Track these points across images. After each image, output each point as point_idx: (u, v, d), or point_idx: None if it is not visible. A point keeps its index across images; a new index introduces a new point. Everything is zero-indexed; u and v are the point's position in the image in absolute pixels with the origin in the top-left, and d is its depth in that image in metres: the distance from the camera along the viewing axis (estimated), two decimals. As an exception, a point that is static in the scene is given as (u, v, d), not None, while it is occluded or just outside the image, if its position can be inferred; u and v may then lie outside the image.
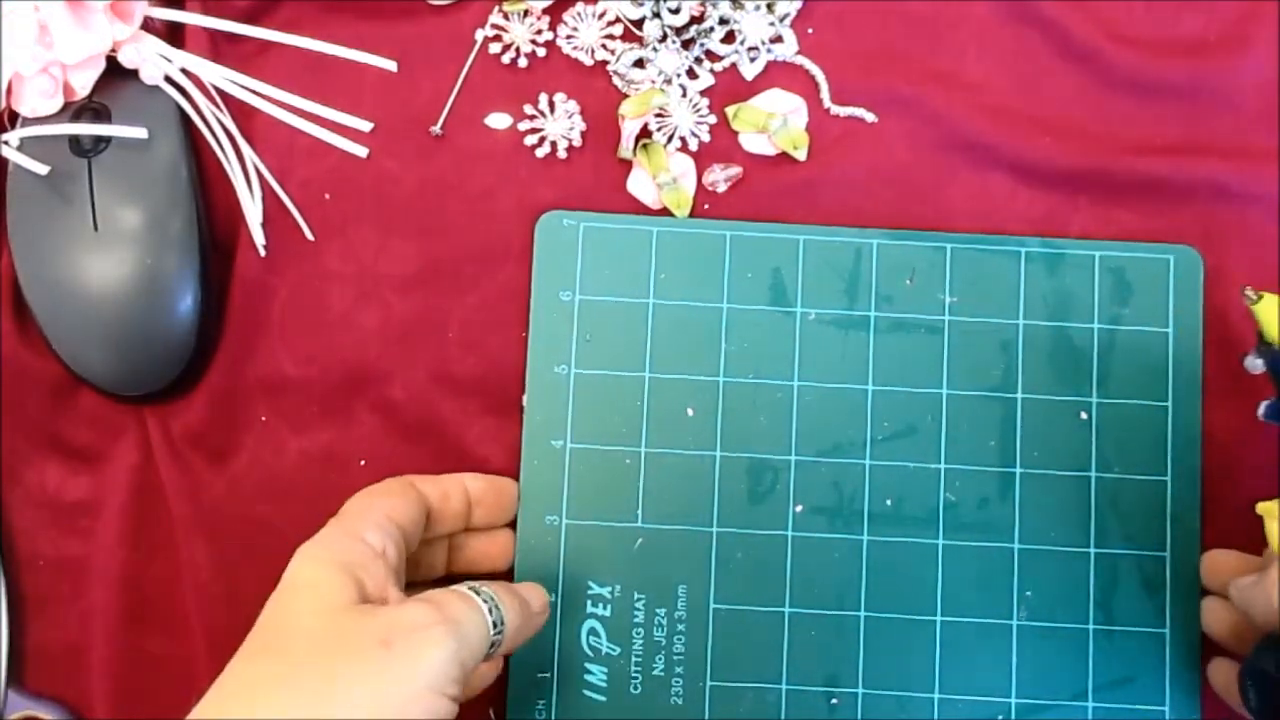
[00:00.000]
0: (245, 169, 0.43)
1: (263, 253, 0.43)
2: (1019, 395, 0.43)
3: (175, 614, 0.43)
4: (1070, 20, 0.45)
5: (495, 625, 0.35)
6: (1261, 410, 0.37)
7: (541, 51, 0.45)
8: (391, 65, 0.43)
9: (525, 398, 0.43)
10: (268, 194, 0.43)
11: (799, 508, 0.43)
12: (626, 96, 0.44)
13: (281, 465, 0.43)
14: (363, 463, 0.43)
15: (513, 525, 0.42)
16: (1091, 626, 0.42)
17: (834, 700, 0.42)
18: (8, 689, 0.42)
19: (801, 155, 0.44)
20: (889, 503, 0.42)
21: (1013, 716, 0.42)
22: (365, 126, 0.43)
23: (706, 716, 0.42)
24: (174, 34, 0.44)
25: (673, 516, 0.42)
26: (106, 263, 0.41)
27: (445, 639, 0.32)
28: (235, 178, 0.43)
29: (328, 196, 0.44)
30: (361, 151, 0.43)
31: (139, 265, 0.41)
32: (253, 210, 0.43)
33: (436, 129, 0.44)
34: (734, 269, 0.43)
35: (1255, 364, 0.37)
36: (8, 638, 0.42)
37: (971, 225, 0.44)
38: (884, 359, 0.43)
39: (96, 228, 0.41)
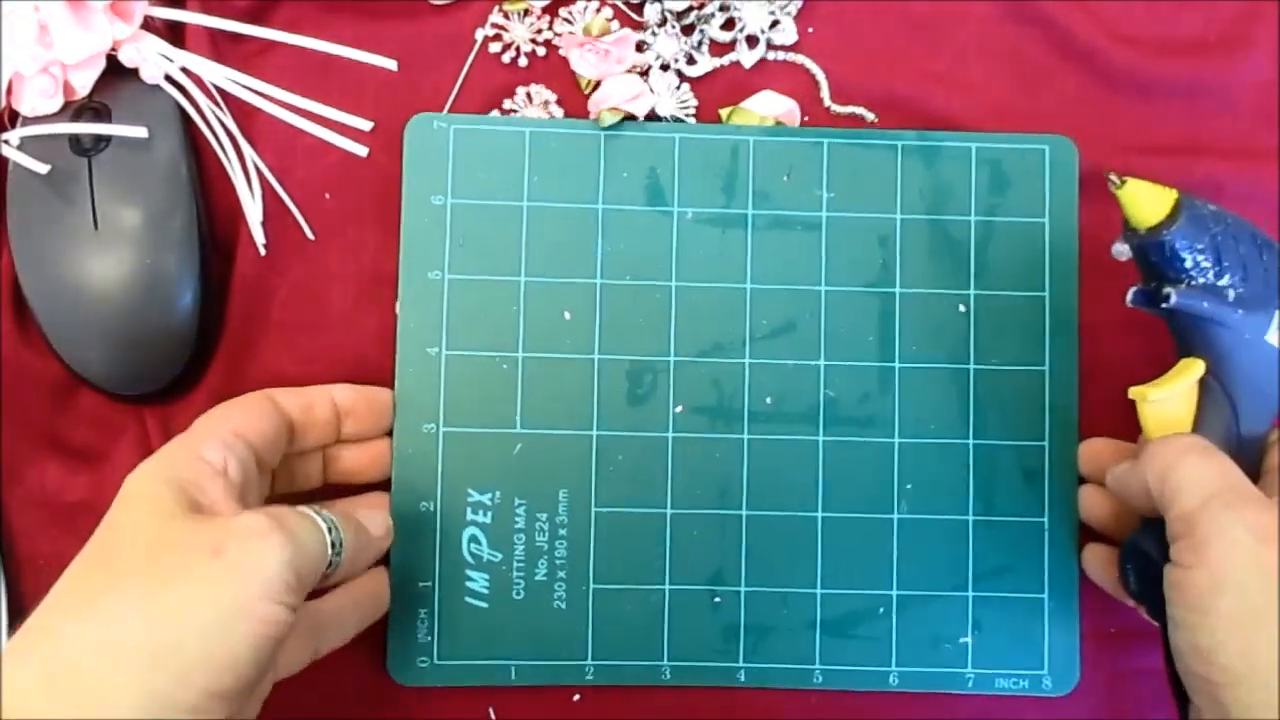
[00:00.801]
0: (245, 169, 0.42)
1: (263, 252, 0.42)
2: (897, 290, 0.43)
3: None
4: (1070, 20, 0.44)
5: (334, 545, 0.34)
6: (1129, 296, 0.37)
7: (541, 50, 0.44)
8: (392, 65, 0.42)
9: (398, 305, 0.42)
10: (268, 193, 0.43)
11: (679, 408, 0.42)
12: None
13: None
14: None
15: (390, 435, 0.42)
16: (971, 517, 0.42)
17: (717, 599, 0.42)
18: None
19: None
20: (769, 400, 0.42)
21: (894, 608, 0.42)
22: (365, 126, 0.42)
23: (590, 619, 0.42)
24: (174, 33, 0.43)
25: (552, 421, 0.42)
26: (107, 262, 0.40)
27: (280, 546, 0.32)
28: (235, 177, 0.42)
29: (328, 196, 0.43)
30: (362, 151, 0.42)
31: (139, 265, 0.40)
32: (253, 210, 0.42)
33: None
34: (609, 169, 0.43)
35: (1121, 250, 0.37)
36: (8, 638, 0.41)
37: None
38: (762, 257, 0.43)
39: (97, 227, 0.40)
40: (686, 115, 0.44)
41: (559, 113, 0.43)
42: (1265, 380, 0.37)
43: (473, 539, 0.42)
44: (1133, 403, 0.41)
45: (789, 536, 0.42)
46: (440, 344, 0.42)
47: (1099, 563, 0.41)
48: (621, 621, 0.42)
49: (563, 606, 0.42)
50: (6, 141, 0.41)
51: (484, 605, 0.41)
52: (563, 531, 0.42)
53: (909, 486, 0.42)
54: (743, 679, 0.42)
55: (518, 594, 0.42)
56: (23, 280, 0.41)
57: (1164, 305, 0.36)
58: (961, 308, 0.43)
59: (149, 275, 0.40)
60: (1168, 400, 0.37)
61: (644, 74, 0.44)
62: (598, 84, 0.43)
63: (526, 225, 0.42)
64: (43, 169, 0.40)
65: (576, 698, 0.42)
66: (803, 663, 0.42)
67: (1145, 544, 0.37)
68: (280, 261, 0.43)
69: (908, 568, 0.42)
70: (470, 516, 0.42)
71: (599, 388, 0.42)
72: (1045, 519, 0.42)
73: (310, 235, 0.43)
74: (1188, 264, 0.36)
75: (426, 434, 0.42)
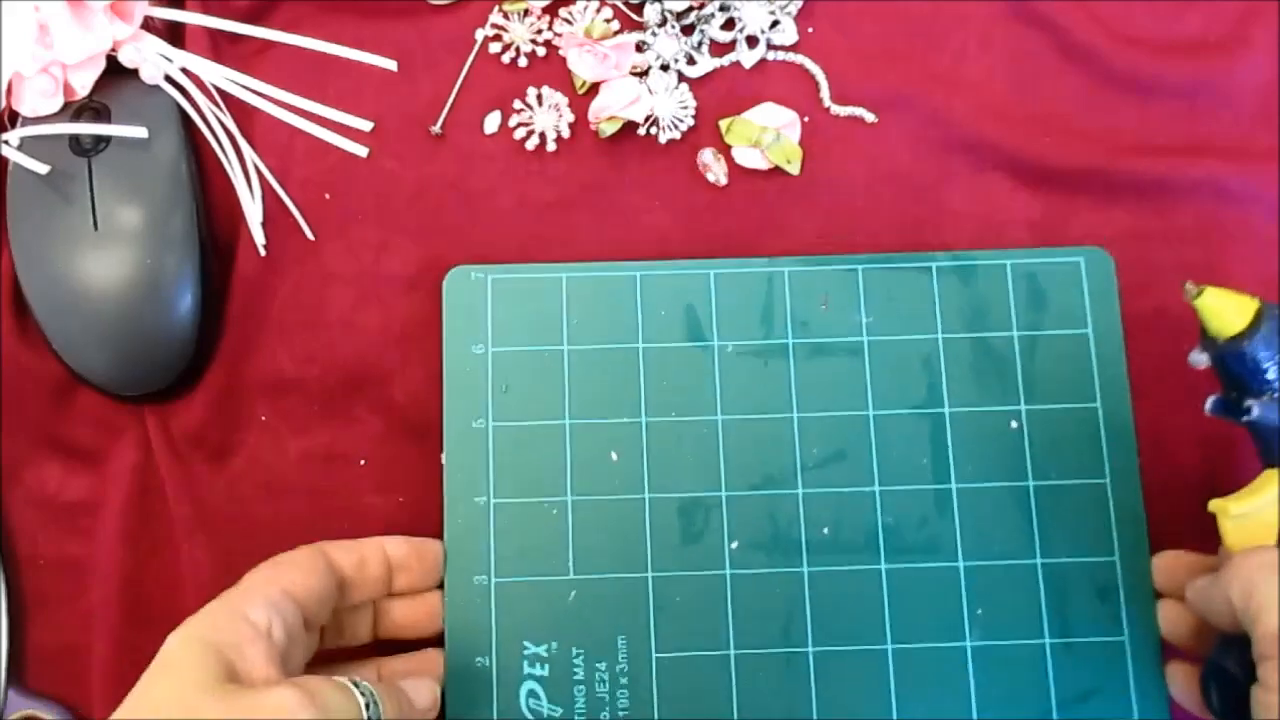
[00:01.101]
0: (245, 169, 0.43)
1: (263, 252, 0.43)
2: (946, 409, 0.42)
3: (175, 614, 0.40)
4: (1071, 20, 0.45)
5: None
6: (1209, 405, 0.37)
7: (541, 51, 0.45)
8: (392, 65, 0.43)
9: (444, 455, 0.42)
10: (268, 194, 0.43)
11: (734, 544, 0.41)
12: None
13: (282, 465, 0.42)
14: (363, 462, 0.42)
15: (441, 587, 0.41)
16: (1048, 640, 0.40)
17: (790, 742, 0.40)
18: (8, 689, 0.41)
19: (795, 169, 0.44)
20: (826, 531, 0.41)
21: (975, 743, 0.40)
22: (366, 126, 0.43)
23: (658, 773, 0.40)
24: (174, 33, 0.44)
25: (605, 565, 0.41)
26: (106, 262, 0.40)
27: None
28: (235, 177, 0.42)
29: (328, 196, 0.43)
30: (362, 151, 0.43)
31: (139, 265, 0.40)
32: (253, 210, 0.42)
33: (436, 128, 0.44)
34: (646, 308, 0.43)
35: (1200, 359, 0.36)
36: (8, 638, 0.41)
37: (971, 226, 0.44)
38: (806, 385, 0.42)
39: (96, 227, 0.41)
40: (686, 116, 0.44)
41: (570, 116, 0.44)
42: None
43: (531, 694, 0.40)
44: (1205, 511, 0.40)
45: (859, 671, 0.40)
46: (488, 492, 0.41)
47: (1182, 681, 0.39)
48: (692, 773, 0.40)
49: (629, 760, 0.40)
50: (6, 141, 0.41)
51: (546, 764, 0.40)
52: (624, 680, 0.40)
53: (979, 612, 0.41)
54: (822, 828, 0.39)
55: (581, 750, 0.40)
56: (23, 280, 0.41)
57: (1245, 419, 0.35)
58: (1014, 424, 0.42)
59: (149, 275, 0.41)
60: (1250, 514, 0.36)
61: (643, 75, 0.44)
62: (594, 86, 0.44)
63: (568, 368, 0.42)
64: (43, 169, 0.41)
65: None
66: (885, 806, 0.39)
67: (1228, 662, 0.35)
68: (280, 261, 0.43)
69: (987, 697, 0.40)
70: (527, 670, 0.40)
71: (651, 528, 0.41)
72: (1125, 637, 0.40)
73: (310, 236, 0.43)
74: (1270, 375, 0.35)
75: (478, 585, 0.41)
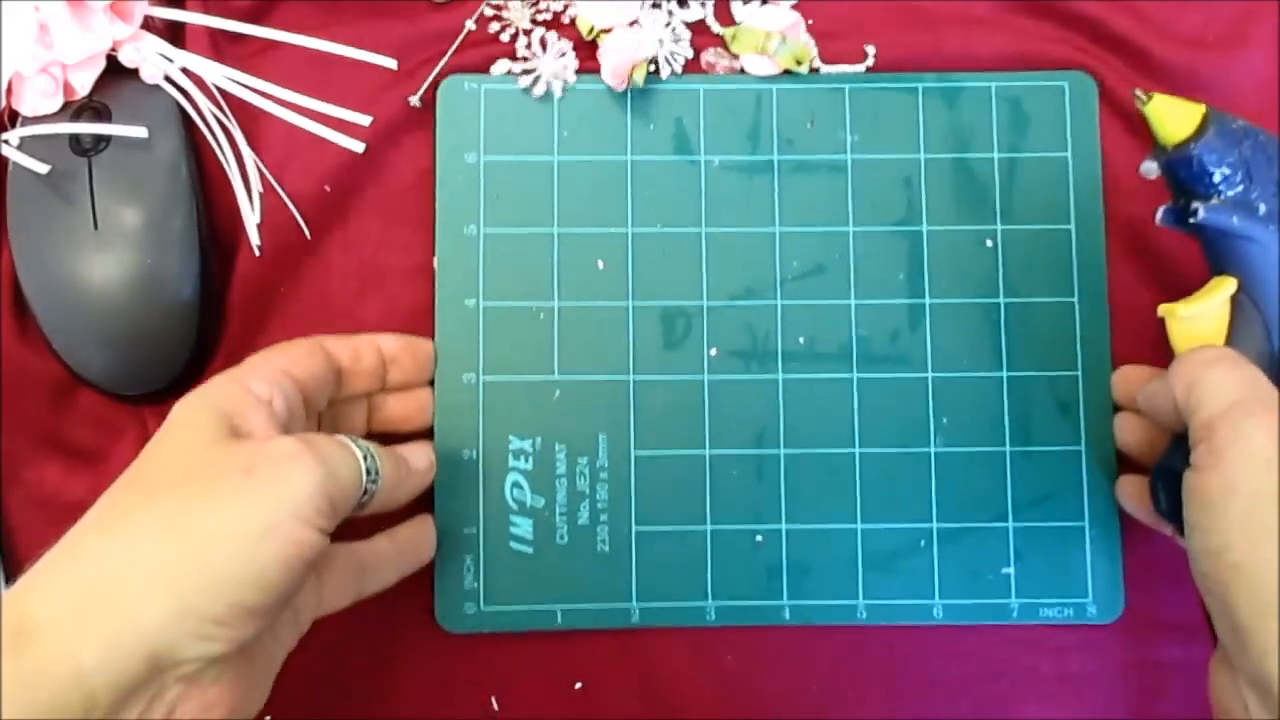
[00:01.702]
0: (244, 169, 0.42)
1: (257, 253, 0.42)
2: (924, 228, 0.43)
3: None
4: (1071, 20, 0.44)
5: (369, 473, 0.35)
6: (1159, 215, 0.37)
7: (541, 31, 0.44)
8: (392, 64, 0.42)
9: (436, 259, 0.43)
10: (268, 190, 0.43)
11: (713, 351, 0.43)
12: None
13: None
14: None
15: (432, 384, 0.43)
16: (1008, 448, 0.42)
17: (759, 538, 0.42)
18: None
19: (805, 70, 0.44)
20: (802, 341, 0.43)
21: (934, 541, 0.42)
22: (364, 121, 0.42)
23: (633, 562, 0.42)
24: (174, 33, 0.43)
25: (589, 367, 0.43)
26: (106, 262, 0.40)
27: (311, 468, 0.32)
28: (235, 178, 0.42)
29: (328, 189, 0.43)
30: (359, 147, 0.42)
31: (139, 265, 0.41)
32: (250, 213, 0.42)
33: (415, 99, 0.44)
34: (636, 122, 0.44)
35: (1150, 168, 0.37)
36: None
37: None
38: (789, 201, 0.43)
39: (97, 227, 0.41)
40: (683, 50, 0.44)
41: (574, 63, 0.44)
42: None
43: (515, 485, 0.42)
44: (1165, 330, 0.42)
45: (827, 474, 0.42)
46: (477, 296, 0.43)
47: (1131, 491, 0.41)
48: (665, 563, 0.42)
49: (606, 550, 0.42)
50: (6, 141, 0.41)
51: (528, 550, 0.42)
52: (603, 475, 0.42)
53: (944, 420, 0.43)
54: (787, 617, 0.42)
55: (561, 538, 0.42)
56: (23, 280, 0.41)
57: (1192, 220, 0.36)
58: (988, 243, 0.43)
59: (149, 275, 0.41)
60: (1198, 317, 0.37)
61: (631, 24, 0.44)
62: (598, 35, 0.44)
63: (558, 179, 0.43)
64: (43, 169, 0.40)
65: (579, 685, 0.42)
66: (846, 598, 0.42)
67: (1174, 462, 0.37)
68: (281, 259, 0.43)
69: (947, 501, 0.42)
70: (512, 463, 0.42)
71: (633, 334, 0.43)
72: (1082, 447, 0.42)
73: (308, 233, 0.43)
74: (1217, 179, 0.36)
75: (467, 384, 0.42)
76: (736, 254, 0.43)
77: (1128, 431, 0.41)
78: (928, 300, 0.43)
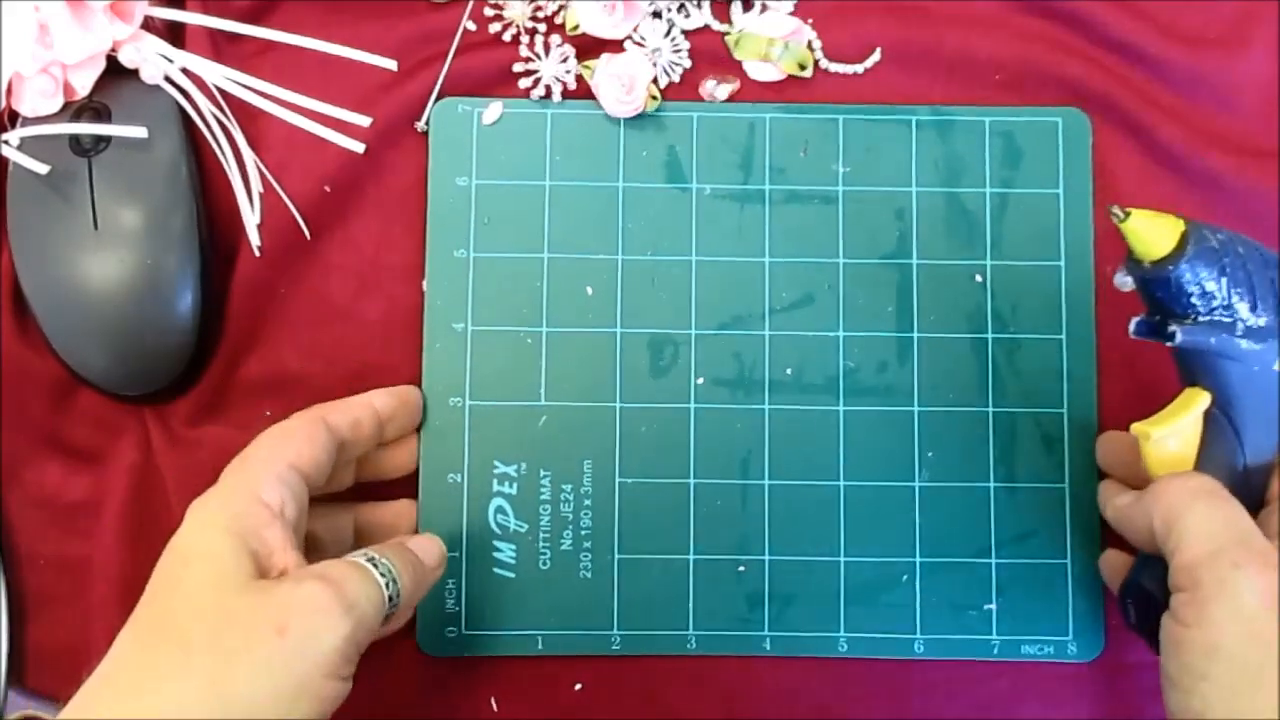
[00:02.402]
0: (244, 169, 0.42)
1: (258, 254, 0.42)
2: (914, 261, 0.43)
3: None
4: (1070, 20, 0.44)
5: (391, 599, 0.34)
6: (1132, 327, 0.36)
7: (542, 28, 0.44)
8: (392, 65, 0.42)
9: (425, 282, 0.43)
10: (268, 190, 0.43)
11: (700, 380, 0.43)
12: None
13: None
14: None
15: (419, 428, 0.43)
16: (992, 484, 0.42)
17: (741, 568, 0.42)
18: (8, 689, 0.41)
19: (809, 74, 0.44)
20: (789, 371, 0.43)
21: (917, 575, 0.42)
22: (364, 121, 0.42)
23: (615, 589, 0.42)
24: (174, 33, 0.43)
25: (576, 394, 0.43)
26: (107, 262, 0.40)
27: (341, 622, 0.32)
28: (234, 178, 0.42)
29: (328, 189, 0.43)
30: (359, 148, 0.42)
31: (139, 265, 0.40)
32: (250, 213, 0.42)
33: (421, 124, 0.44)
34: (629, 148, 0.44)
35: (1125, 281, 0.36)
36: (8, 638, 0.41)
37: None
38: (780, 230, 0.43)
39: (97, 227, 0.41)
40: (682, 59, 0.44)
41: (575, 67, 0.44)
42: (1273, 410, 0.35)
43: (499, 510, 0.42)
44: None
45: (811, 505, 0.42)
46: (466, 320, 0.43)
47: (1118, 565, 0.40)
48: (647, 591, 0.42)
49: (588, 576, 0.42)
50: (6, 142, 0.41)
51: (511, 575, 0.42)
52: (588, 502, 0.42)
53: (930, 454, 0.43)
54: (768, 647, 0.42)
55: (544, 564, 0.42)
56: (23, 280, 0.41)
57: (1169, 344, 0.35)
58: (978, 278, 0.43)
59: (149, 275, 0.41)
60: (1168, 437, 0.36)
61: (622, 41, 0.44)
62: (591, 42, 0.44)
63: (549, 204, 0.43)
64: (43, 169, 0.40)
65: (578, 686, 0.42)
66: (827, 630, 0.42)
67: (1146, 581, 0.36)
68: (281, 259, 0.43)
69: (930, 535, 0.42)
70: (497, 488, 0.42)
71: (621, 361, 0.43)
72: (1066, 485, 0.42)
73: (308, 233, 0.43)
74: (1195, 298, 0.34)
75: (453, 408, 0.42)
76: (726, 283, 0.43)
77: (1110, 501, 0.41)
78: (916, 334, 0.43)
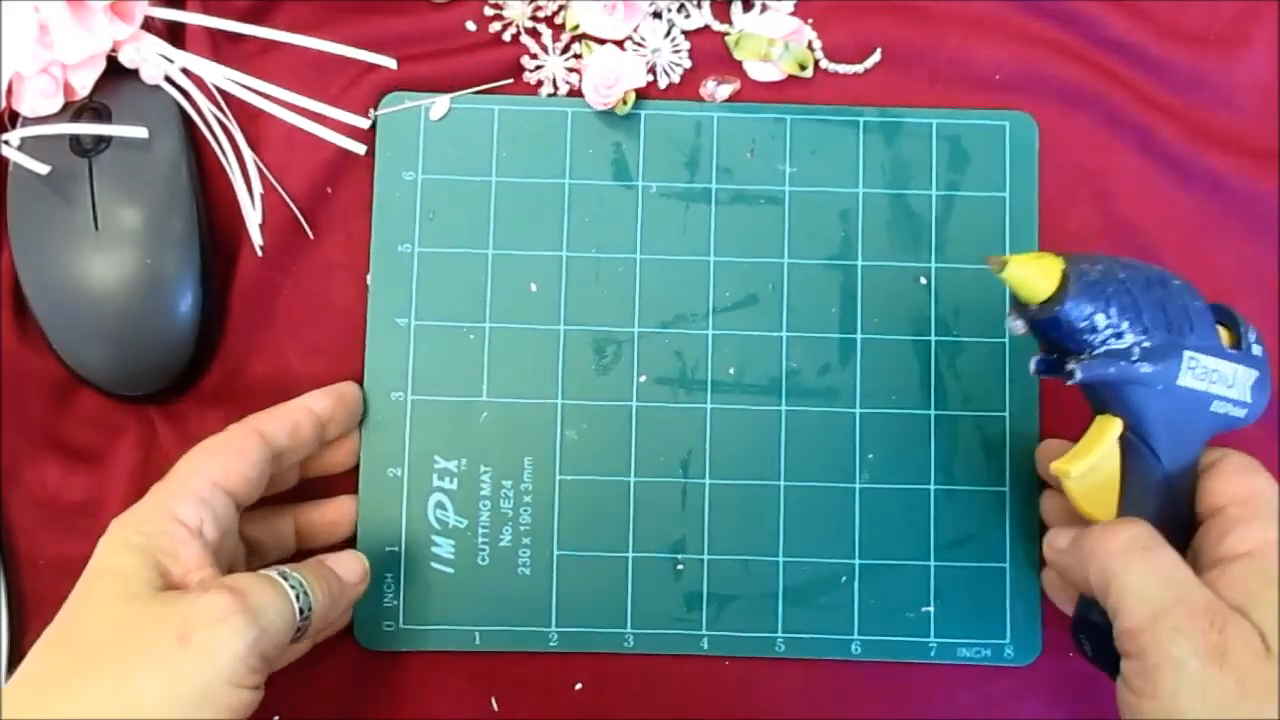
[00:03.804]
0: (244, 169, 0.42)
1: (260, 254, 0.42)
2: (859, 263, 0.43)
3: None
4: (1070, 19, 0.44)
5: (302, 611, 0.34)
6: (1032, 367, 0.36)
7: (543, 28, 0.44)
8: (391, 64, 0.43)
9: (370, 276, 0.43)
10: (269, 189, 0.43)
11: (643, 378, 0.43)
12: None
13: None
14: None
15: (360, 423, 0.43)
16: (933, 487, 0.42)
17: (680, 567, 0.42)
18: None
19: (809, 74, 0.44)
20: (731, 371, 0.43)
21: (856, 577, 0.42)
22: (364, 122, 0.42)
23: (554, 586, 0.42)
24: (174, 33, 0.43)
25: (518, 390, 0.43)
26: (107, 262, 0.40)
27: (244, 630, 0.32)
28: (235, 178, 0.42)
29: (329, 190, 0.43)
30: (359, 148, 0.43)
31: (139, 265, 0.41)
32: (252, 211, 0.42)
33: (370, 117, 0.44)
34: (575, 145, 0.44)
35: (1016, 325, 0.36)
36: (8, 638, 0.41)
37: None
38: (725, 230, 0.43)
39: (97, 227, 0.41)
40: (682, 59, 0.44)
41: (579, 64, 0.44)
42: (1185, 423, 0.35)
43: (439, 505, 0.42)
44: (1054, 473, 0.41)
45: (751, 505, 0.42)
46: (409, 314, 0.43)
47: (1055, 585, 0.40)
48: (585, 588, 0.42)
49: (527, 573, 0.42)
50: (6, 142, 0.41)
51: (450, 571, 0.42)
52: (527, 499, 0.42)
53: (870, 456, 0.43)
54: (705, 647, 0.42)
55: (483, 560, 0.42)
56: (23, 280, 0.41)
57: (1069, 382, 0.34)
58: (922, 280, 0.43)
59: (149, 275, 0.41)
60: (1088, 471, 0.36)
61: (620, 43, 0.44)
62: (584, 38, 0.44)
63: (494, 200, 0.43)
64: (43, 169, 0.41)
65: (578, 686, 0.42)
66: (765, 631, 0.42)
67: (1094, 616, 0.36)
68: (282, 258, 0.43)
69: (869, 537, 0.42)
70: (437, 483, 0.42)
71: (564, 358, 0.43)
72: (1006, 489, 0.42)
73: (310, 232, 0.43)
74: (1086, 333, 0.34)
75: (395, 402, 0.42)
76: (670, 281, 0.43)
77: (1052, 511, 0.41)
78: (859, 335, 0.43)
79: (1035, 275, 0.34)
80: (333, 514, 0.42)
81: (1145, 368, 0.34)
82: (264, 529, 0.40)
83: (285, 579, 0.34)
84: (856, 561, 0.42)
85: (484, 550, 0.42)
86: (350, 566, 0.38)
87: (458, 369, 0.43)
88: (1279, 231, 0.44)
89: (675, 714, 0.42)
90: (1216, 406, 0.35)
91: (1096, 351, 0.34)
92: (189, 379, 0.42)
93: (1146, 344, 0.34)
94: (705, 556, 0.42)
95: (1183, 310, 0.35)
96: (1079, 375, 0.34)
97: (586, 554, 0.42)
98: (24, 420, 0.42)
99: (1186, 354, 0.35)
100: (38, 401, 0.43)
